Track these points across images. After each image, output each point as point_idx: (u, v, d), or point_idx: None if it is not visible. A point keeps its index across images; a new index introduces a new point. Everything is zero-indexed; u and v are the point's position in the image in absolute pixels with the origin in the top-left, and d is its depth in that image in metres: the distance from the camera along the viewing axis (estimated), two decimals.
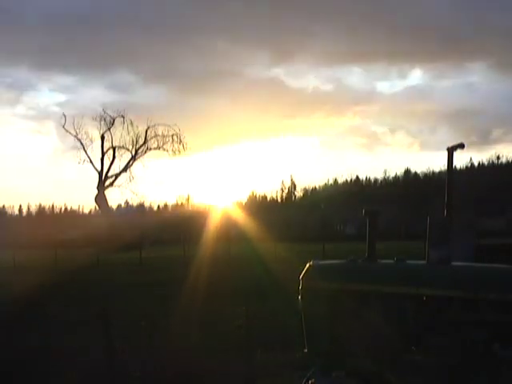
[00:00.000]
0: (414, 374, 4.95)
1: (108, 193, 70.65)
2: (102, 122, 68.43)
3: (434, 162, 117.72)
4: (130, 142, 70.18)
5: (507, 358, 4.61)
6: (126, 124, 68.86)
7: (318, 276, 5.31)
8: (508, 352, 4.61)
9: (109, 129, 69.66)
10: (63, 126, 69.26)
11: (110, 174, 70.19)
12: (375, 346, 5.02)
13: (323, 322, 5.18)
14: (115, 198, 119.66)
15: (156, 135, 69.91)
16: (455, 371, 4.77)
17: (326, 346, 5.17)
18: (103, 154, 70.50)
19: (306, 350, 5.36)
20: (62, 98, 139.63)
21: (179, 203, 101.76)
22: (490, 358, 4.66)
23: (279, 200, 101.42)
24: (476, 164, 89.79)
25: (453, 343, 4.83)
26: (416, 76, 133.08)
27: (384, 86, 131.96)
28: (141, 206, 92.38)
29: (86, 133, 67.50)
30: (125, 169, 69.77)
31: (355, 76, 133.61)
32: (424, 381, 4.89)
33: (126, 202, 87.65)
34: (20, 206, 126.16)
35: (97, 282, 24.07)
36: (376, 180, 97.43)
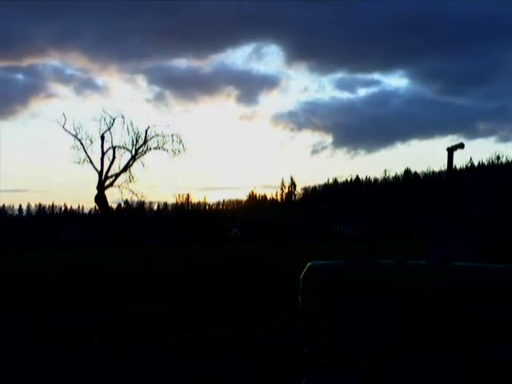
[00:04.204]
0: (414, 374, 4.95)
1: (108, 193, 70.67)
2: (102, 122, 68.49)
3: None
4: (130, 141, 70.19)
5: (507, 358, 4.61)
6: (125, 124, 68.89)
7: (317, 276, 5.31)
8: (508, 352, 4.61)
9: (109, 129, 69.74)
10: (63, 126, 69.31)
11: (109, 174, 70.23)
12: (375, 345, 5.02)
13: (323, 322, 5.18)
14: (115, 197, 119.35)
15: (156, 135, 69.94)
16: (455, 371, 4.77)
17: (326, 345, 5.16)
18: (103, 154, 70.53)
19: (305, 350, 5.36)
20: None
21: (179, 202, 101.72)
22: (490, 358, 4.66)
23: (279, 200, 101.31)
24: (476, 164, 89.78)
25: (453, 343, 4.83)
26: None
27: None
28: (140, 205, 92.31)
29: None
30: (125, 169, 69.80)
31: None
32: (424, 381, 4.89)
33: (126, 202, 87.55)
34: (20, 206, 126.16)
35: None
36: (376, 180, 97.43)
